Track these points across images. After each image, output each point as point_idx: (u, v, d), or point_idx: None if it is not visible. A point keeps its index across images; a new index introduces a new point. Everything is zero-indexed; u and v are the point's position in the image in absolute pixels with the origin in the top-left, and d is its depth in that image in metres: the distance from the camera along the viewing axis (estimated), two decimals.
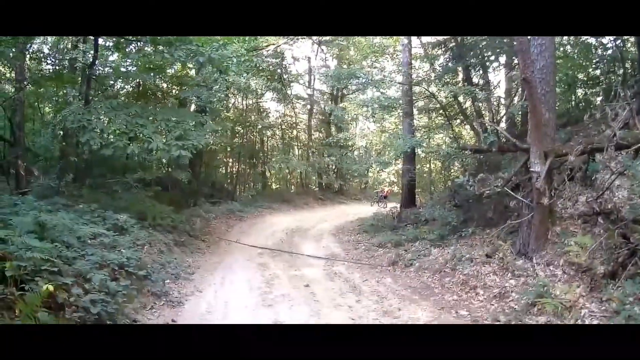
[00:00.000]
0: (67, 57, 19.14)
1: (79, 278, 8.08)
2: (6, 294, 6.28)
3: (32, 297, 6.05)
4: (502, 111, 19.88)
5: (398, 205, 23.07)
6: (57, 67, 20.10)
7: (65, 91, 20.55)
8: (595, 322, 8.03)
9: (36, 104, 22.99)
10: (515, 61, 19.45)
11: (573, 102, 19.17)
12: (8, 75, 20.19)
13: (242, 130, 35.00)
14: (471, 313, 9.74)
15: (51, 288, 6.48)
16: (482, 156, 17.15)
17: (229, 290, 12.07)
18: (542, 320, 8.54)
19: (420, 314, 9.91)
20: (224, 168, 36.58)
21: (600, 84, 18.29)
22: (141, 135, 14.90)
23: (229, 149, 34.35)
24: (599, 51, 17.94)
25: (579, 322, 8.16)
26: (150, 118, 15.73)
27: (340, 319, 9.78)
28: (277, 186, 39.82)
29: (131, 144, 14.83)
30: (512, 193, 11.97)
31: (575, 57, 17.97)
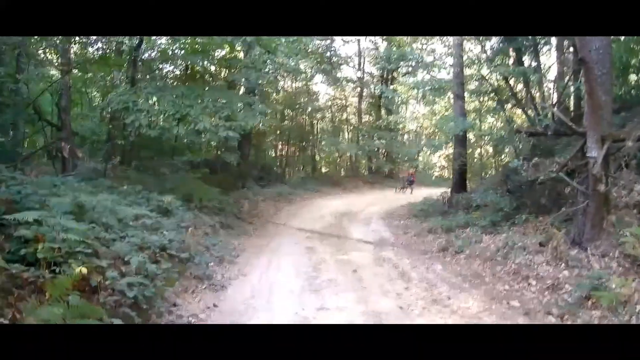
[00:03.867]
0: (113, 41, 19.05)
1: (116, 260, 7.89)
2: (37, 276, 6.09)
3: (62, 280, 5.83)
4: (555, 95, 19.20)
5: (448, 190, 22.53)
6: (103, 51, 20.05)
7: (112, 75, 20.58)
8: None
9: (83, 88, 23.12)
10: (566, 44, 18.85)
11: (626, 88, 18.40)
12: (55, 60, 20.20)
13: (291, 113, 34.86)
14: (523, 305, 9.25)
15: (84, 270, 6.27)
16: (535, 140, 16.58)
17: (274, 274, 11.83)
18: (596, 314, 8.08)
19: (470, 303, 9.49)
20: (273, 151, 36.57)
21: None
22: (188, 116, 14.70)
23: (278, 132, 34.32)
24: None
25: (634, 318, 7.69)
26: (198, 100, 15.52)
27: (388, 306, 9.46)
28: (327, 169, 39.67)
29: (177, 125, 14.68)
30: (567, 179, 11.43)
31: (630, 40, 17.23)
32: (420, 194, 26.51)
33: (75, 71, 19.83)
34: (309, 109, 35.60)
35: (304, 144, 36.03)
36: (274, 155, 36.48)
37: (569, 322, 8.18)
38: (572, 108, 17.56)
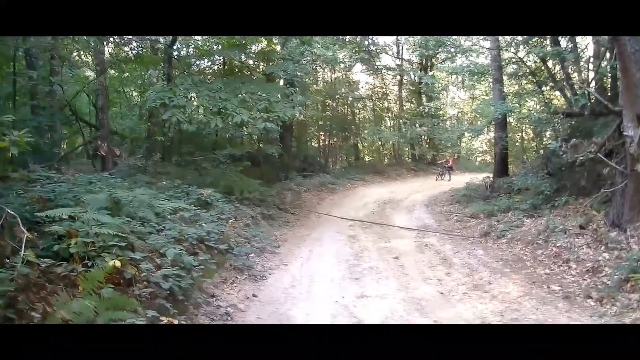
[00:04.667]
0: (147, 39, 19.21)
1: (152, 253, 7.91)
2: (70, 270, 6.14)
3: (94, 273, 5.84)
4: (591, 75, 18.78)
5: (491, 175, 22.22)
6: (138, 50, 20.24)
7: (149, 73, 20.79)
8: None
9: (120, 88, 23.40)
10: None
11: None
12: (90, 62, 20.49)
13: (332, 103, 34.75)
14: (563, 288, 9.12)
15: (118, 263, 6.29)
16: (574, 121, 16.31)
17: (315, 263, 11.84)
18: (635, 297, 7.89)
19: (511, 288, 9.38)
20: (315, 141, 36.51)
21: None
22: (225, 109, 14.73)
23: (320, 123, 34.25)
24: None
25: None
26: (235, 93, 15.54)
27: (428, 292, 9.41)
28: (370, 158, 39.45)
29: (215, 119, 14.72)
30: (605, 159, 11.23)
31: None
32: (460, 180, 26.21)
33: (111, 71, 20.09)
34: (350, 98, 35.39)
35: (346, 133, 35.86)
36: (316, 145, 36.42)
37: (607, 306, 8.04)
38: (609, 88, 17.17)
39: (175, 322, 6.39)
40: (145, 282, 6.91)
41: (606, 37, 14.53)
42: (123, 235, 7.38)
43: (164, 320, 6.20)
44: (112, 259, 6.41)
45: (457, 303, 8.80)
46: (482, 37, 24.15)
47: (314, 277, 10.61)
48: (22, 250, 5.63)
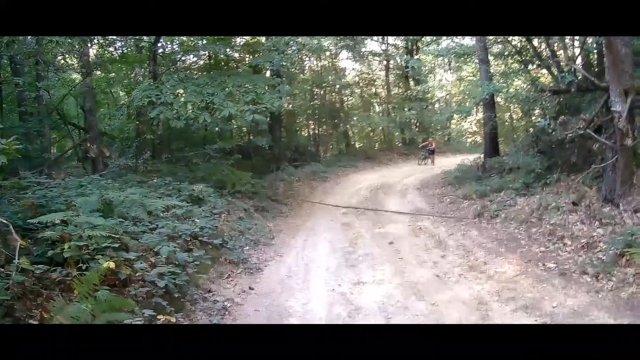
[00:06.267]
0: (131, 39, 19.12)
1: (146, 252, 7.95)
2: (65, 275, 6.17)
3: (89, 276, 5.87)
4: (577, 52, 18.79)
5: (482, 156, 22.23)
6: (123, 49, 20.16)
7: (134, 72, 20.71)
8: None
9: (107, 89, 23.32)
10: None
11: None
12: (75, 64, 20.41)
13: (320, 92, 34.70)
14: (559, 265, 9.23)
15: (111, 265, 6.31)
16: (561, 98, 16.29)
17: (310, 252, 11.89)
18: (630, 272, 7.98)
19: (506, 267, 9.50)
20: (305, 131, 36.46)
21: None
22: (212, 104, 14.72)
23: (309, 112, 34.20)
24: None
25: None
26: (221, 87, 15.51)
27: (424, 276, 9.52)
28: (360, 144, 39.40)
29: (203, 114, 14.70)
30: (595, 135, 11.29)
31: None
32: (452, 162, 26.23)
33: (97, 72, 20.01)
34: (337, 86, 35.37)
35: (335, 121, 35.75)
36: (306, 135, 36.38)
37: (603, 281, 8.11)
38: (595, 64, 17.20)
39: (173, 319, 6.44)
40: (140, 282, 6.96)
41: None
42: (116, 236, 7.41)
43: (162, 318, 6.25)
44: (106, 261, 6.43)
45: (453, 285, 8.89)
46: None
47: (310, 266, 10.67)
48: (17, 258, 5.64)
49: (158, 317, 6.24)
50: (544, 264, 9.42)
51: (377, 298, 8.42)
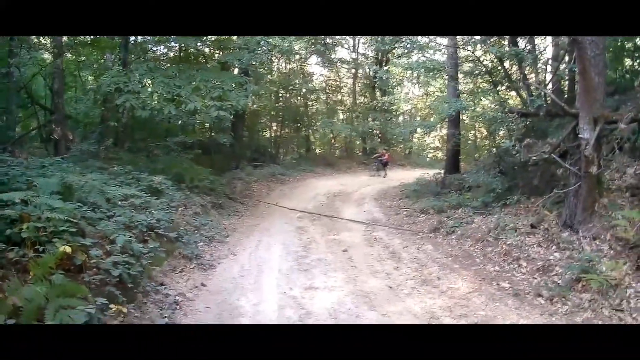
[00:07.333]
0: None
1: (103, 239, 7.91)
2: (22, 255, 6.14)
3: (45, 259, 5.87)
4: (548, 77, 19.18)
5: (442, 171, 22.48)
6: None
7: (105, 57, 20.55)
8: None
9: (77, 72, 23.07)
10: None
11: (620, 71, 18.32)
12: (48, 44, 20.16)
13: (286, 94, 34.76)
14: (513, 285, 9.35)
15: (68, 249, 6.29)
16: (528, 121, 16.59)
17: (264, 253, 11.93)
18: (586, 297, 8.16)
19: (460, 284, 9.59)
20: (267, 132, 36.47)
21: None
22: (179, 96, 14.69)
23: (272, 113, 34.23)
24: None
25: (624, 302, 7.81)
26: (189, 80, 15.49)
27: (377, 286, 9.59)
28: (321, 150, 39.52)
29: (169, 106, 14.66)
30: (559, 160, 11.45)
31: None
32: (404, 176, 26.46)
33: (68, 55, 19.82)
34: (304, 90, 35.40)
35: (298, 124, 35.84)
36: (268, 136, 36.39)
37: (557, 305, 8.27)
38: (566, 90, 17.55)
39: (125, 310, 6.44)
40: (95, 269, 6.93)
41: (566, 39, 14.82)
42: (74, 220, 7.35)
43: (114, 307, 6.24)
44: (63, 245, 6.41)
45: (405, 297, 8.97)
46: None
47: (263, 267, 10.71)
48: None
49: (110, 306, 6.23)
50: (498, 283, 9.55)
51: (328, 304, 8.46)
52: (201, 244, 11.79)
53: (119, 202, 10.16)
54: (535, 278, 9.54)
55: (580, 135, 10.47)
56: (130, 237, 8.42)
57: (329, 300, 8.71)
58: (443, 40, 23.13)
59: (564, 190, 11.45)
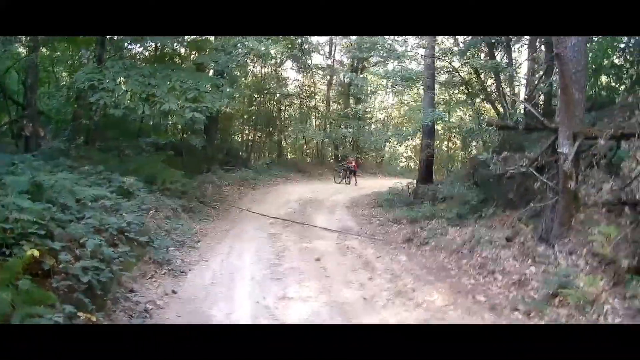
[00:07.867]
0: None
1: (72, 243, 7.62)
2: None
3: (12, 263, 5.60)
4: (525, 91, 19.30)
5: (414, 181, 22.47)
6: None
7: (80, 54, 20.26)
8: (617, 320, 7.53)
9: (51, 67, 22.74)
10: (538, 42, 18.90)
11: (597, 89, 18.53)
12: (24, 38, 19.84)
13: (259, 98, 34.66)
14: (489, 299, 9.19)
15: (36, 253, 6.03)
16: (505, 134, 16.59)
17: (236, 260, 11.70)
18: (563, 313, 8.04)
19: (435, 297, 9.39)
20: (239, 135, 36.35)
21: (625, 72, 17.68)
22: (154, 96, 14.44)
23: (245, 116, 34.16)
24: (625, 39, 17.30)
25: (601, 318, 7.68)
26: (165, 80, 15.25)
27: (351, 297, 9.38)
28: (293, 156, 39.50)
29: (143, 105, 14.41)
30: (537, 174, 11.40)
31: (603, 42, 17.34)
32: (376, 184, 26.38)
33: (43, 50, 19.48)
34: (278, 94, 35.46)
35: (270, 129, 35.82)
36: (240, 140, 36.25)
37: (534, 319, 8.16)
38: (541, 105, 17.62)
39: (94, 318, 6.17)
40: (63, 274, 6.65)
41: (542, 56, 14.89)
42: (43, 222, 7.09)
43: (82, 316, 5.98)
44: (31, 248, 6.14)
45: (380, 309, 8.77)
46: (418, 44, 24.40)
47: (235, 275, 10.47)
48: None
49: (79, 314, 5.95)
50: (474, 296, 9.38)
51: (302, 315, 8.26)
52: (172, 248, 11.54)
53: (90, 204, 9.86)
54: (512, 292, 9.38)
55: (559, 150, 10.44)
56: (101, 240, 8.15)
57: (303, 310, 8.51)
58: (420, 51, 23.20)
59: (541, 205, 11.42)
